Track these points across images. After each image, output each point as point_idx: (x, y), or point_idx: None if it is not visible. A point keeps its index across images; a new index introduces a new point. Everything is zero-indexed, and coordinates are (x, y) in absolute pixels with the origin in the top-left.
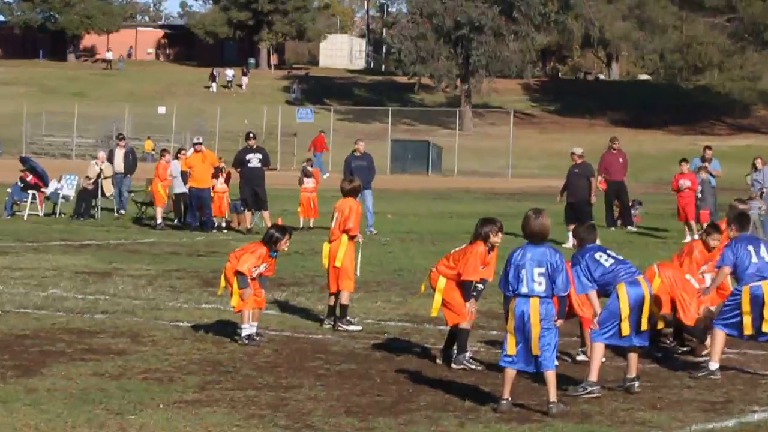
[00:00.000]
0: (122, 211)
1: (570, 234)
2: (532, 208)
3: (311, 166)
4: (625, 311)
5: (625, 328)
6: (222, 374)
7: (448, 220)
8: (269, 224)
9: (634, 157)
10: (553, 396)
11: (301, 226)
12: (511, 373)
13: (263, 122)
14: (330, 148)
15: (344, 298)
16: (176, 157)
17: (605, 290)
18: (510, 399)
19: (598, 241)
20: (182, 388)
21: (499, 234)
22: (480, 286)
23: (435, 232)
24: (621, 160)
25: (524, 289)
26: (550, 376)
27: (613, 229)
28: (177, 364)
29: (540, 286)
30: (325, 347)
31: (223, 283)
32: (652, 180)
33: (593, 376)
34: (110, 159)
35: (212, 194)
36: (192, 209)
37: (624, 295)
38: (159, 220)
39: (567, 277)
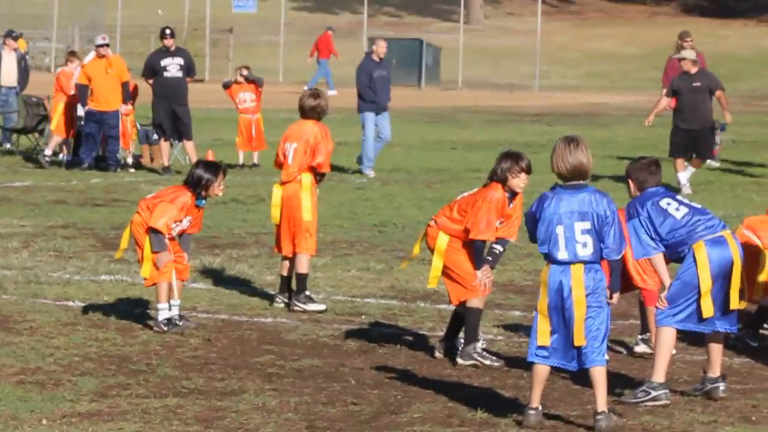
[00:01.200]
0: (8, 145)
1: (680, 174)
2: (565, 136)
3: (245, 74)
4: (705, 282)
5: (706, 307)
6: (131, 375)
7: (450, 152)
8: (194, 160)
9: (714, 61)
10: (602, 404)
11: (240, 162)
12: (543, 371)
13: (184, 13)
14: (337, 53)
15: (302, 265)
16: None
17: (676, 253)
18: (541, 408)
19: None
20: (74, 395)
21: (523, 174)
22: (498, 248)
23: (431, 170)
24: None
25: (562, 254)
26: (599, 375)
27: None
28: (66, 361)
29: (585, 249)
30: (278, 336)
31: (125, 242)
32: (741, 93)
33: (659, 376)
34: None
35: (121, 121)
36: (89, 139)
37: (704, 258)
38: (48, 152)
39: (621, 233)
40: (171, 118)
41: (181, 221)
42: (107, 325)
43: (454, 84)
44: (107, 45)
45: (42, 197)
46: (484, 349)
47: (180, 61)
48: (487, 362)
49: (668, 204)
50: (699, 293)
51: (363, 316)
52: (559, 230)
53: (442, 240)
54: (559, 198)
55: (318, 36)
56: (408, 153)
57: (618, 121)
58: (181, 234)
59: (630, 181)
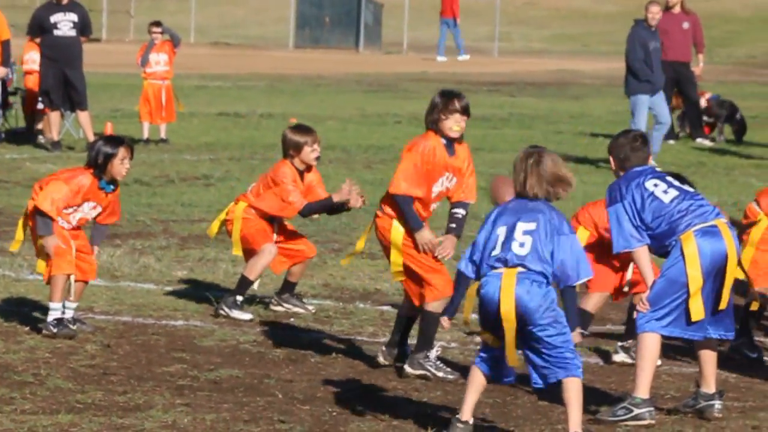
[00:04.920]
0: None
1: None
2: (528, 148)
3: (160, 34)
4: (695, 279)
5: (696, 309)
6: (15, 387)
7: (393, 127)
8: (89, 133)
9: (708, 23)
10: (575, 424)
11: (144, 136)
12: (478, 378)
13: None
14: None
15: (249, 269)
16: None
17: (663, 246)
18: (470, 422)
19: (651, 162)
20: None
21: (458, 115)
22: (459, 211)
23: (371, 147)
24: (686, 25)
25: (496, 251)
26: (573, 389)
27: (671, 142)
28: None
29: (522, 249)
30: (190, 342)
31: (20, 233)
32: (737, 60)
33: (642, 391)
34: None
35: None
36: None
37: (693, 251)
38: None
39: (582, 255)
40: (62, 85)
41: (78, 206)
42: None
43: (398, 47)
44: None
45: None
46: (438, 359)
47: (73, 17)
48: (441, 374)
49: (655, 185)
50: (687, 293)
51: (291, 319)
52: (500, 231)
53: (398, 232)
54: (506, 206)
55: None
56: (344, 128)
57: (592, 91)
58: (96, 226)
59: (611, 159)
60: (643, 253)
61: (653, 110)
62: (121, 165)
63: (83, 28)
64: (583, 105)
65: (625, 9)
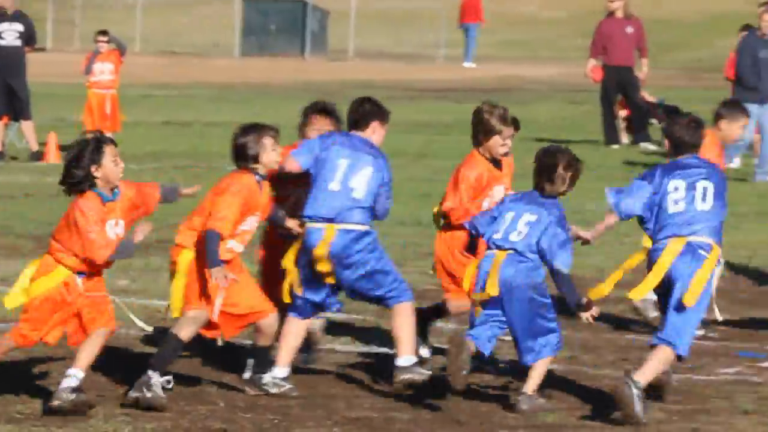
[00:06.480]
0: None
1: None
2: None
3: (106, 43)
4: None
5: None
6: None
7: None
8: (33, 143)
9: (652, 27)
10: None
11: None
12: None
13: None
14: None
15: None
16: None
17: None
18: None
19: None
20: None
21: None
22: None
23: None
24: (630, 30)
25: (497, 235)
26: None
27: (615, 146)
28: None
29: (518, 236)
30: (131, 350)
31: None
32: (683, 64)
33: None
34: None
35: None
36: None
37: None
38: None
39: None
40: (5, 94)
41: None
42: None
43: (344, 54)
44: None
45: None
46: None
47: (19, 27)
48: (150, 394)
49: (675, 189)
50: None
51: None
52: (509, 216)
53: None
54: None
55: None
56: (290, 136)
57: (538, 97)
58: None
59: (667, 141)
60: (611, 219)
61: (761, 121)
62: (112, 160)
63: (28, 38)
64: (530, 111)
65: (571, 15)
